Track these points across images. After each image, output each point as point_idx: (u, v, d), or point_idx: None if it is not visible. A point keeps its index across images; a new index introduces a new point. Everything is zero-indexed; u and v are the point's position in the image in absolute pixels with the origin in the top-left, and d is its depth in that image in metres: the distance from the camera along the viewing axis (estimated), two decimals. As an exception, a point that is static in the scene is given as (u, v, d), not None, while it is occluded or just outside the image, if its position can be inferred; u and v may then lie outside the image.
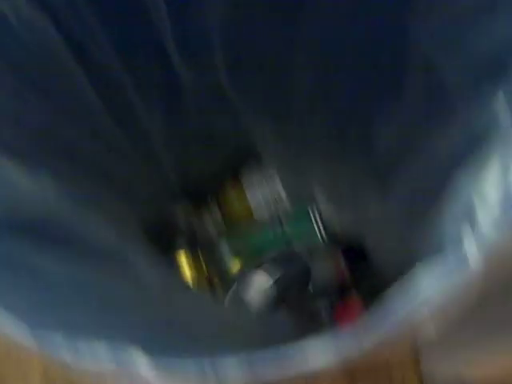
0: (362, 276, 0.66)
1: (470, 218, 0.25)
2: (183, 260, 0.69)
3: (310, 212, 0.68)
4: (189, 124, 0.62)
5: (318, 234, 0.68)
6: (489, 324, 0.64)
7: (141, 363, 0.27)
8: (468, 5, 0.34)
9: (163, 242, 0.68)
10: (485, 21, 0.32)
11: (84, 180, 0.49)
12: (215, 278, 0.69)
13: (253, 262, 0.68)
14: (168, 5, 0.46)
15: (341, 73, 0.49)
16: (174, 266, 0.68)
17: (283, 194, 0.70)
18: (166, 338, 0.33)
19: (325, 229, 0.68)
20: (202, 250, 0.70)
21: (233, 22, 0.49)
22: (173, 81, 0.55)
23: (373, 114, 0.47)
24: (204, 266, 0.70)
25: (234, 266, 0.69)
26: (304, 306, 0.68)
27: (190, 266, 0.68)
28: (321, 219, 0.67)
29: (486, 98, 0.33)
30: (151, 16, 0.47)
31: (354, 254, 0.66)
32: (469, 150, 0.32)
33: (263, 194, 0.72)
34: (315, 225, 0.68)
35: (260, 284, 0.64)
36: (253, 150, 0.68)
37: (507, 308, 0.60)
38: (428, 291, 0.24)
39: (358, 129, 0.51)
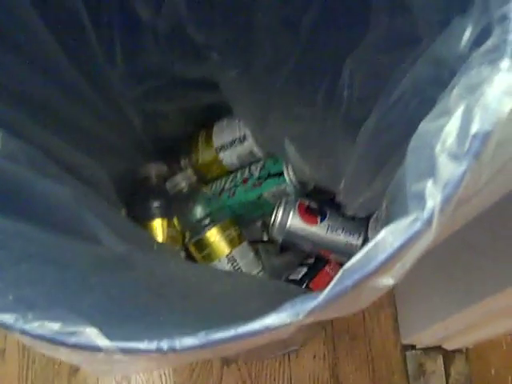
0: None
1: (432, 173, 0.24)
2: (157, 227, 0.67)
3: (283, 168, 0.67)
4: (152, 75, 0.59)
5: (290, 185, 0.67)
6: (458, 291, 0.65)
7: (95, 345, 0.26)
8: None
9: (137, 208, 0.67)
10: None
11: (44, 134, 0.46)
12: (190, 244, 0.68)
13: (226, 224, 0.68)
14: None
15: (304, 12, 0.47)
16: (148, 232, 0.67)
17: (254, 147, 0.69)
18: (122, 317, 0.32)
19: (298, 184, 0.67)
20: (177, 215, 0.68)
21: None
22: (131, 19, 0.52)
23: (338, 56, 0.45)
24: (178, 233, 0.69)
25: (209, 225, 0.67)
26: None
27: (164, 232, 0.67)
28: (292, 170, 0.66)
29: (452, 36, 0.31)
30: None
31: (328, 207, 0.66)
32: (435, 93, 0.31)
33: (235, 148, 0.70)
34: (286, 176, 0.67)
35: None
36: (223, 107, 0.66)
37: (473, 273, 0.61)
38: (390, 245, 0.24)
39: (324, 75, 0.50)
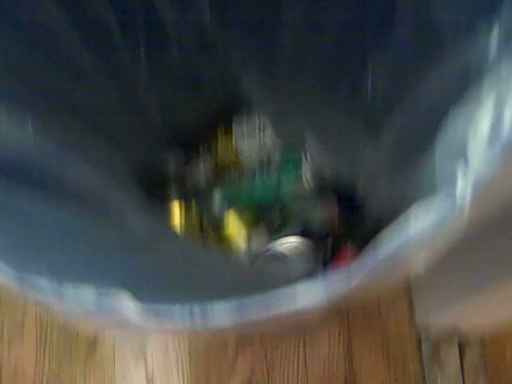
0: (355, 224, 0.66)
1: (464, 155, 0.25)
2: (176, 210, 0.68)
3: (302, 159, 0.67)
4: (173, 68, 0.60)
5: (309, 181, 0.67)
6: (477, 274, 0.65)
7: (129, 308, 0.26)
8: None
9: (156, 192, 0.67)
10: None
11: (68, 124, 0.47)
12: (208, 227, 0.69)
13: (244, 208, 0.68)
14: None
15: (329, 11, 0.47)
16: (167, 216, 0.67)
17: (274, 142, 0.69)
18: (153, 284, 0.32)
19: (317, 176, 0.67)
20: (195, 200, 0.69)
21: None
22: (156, 20, 0.53)
23: (364, 51, 0.46)
24: (196, 217, 0.69)
25: (227, 214, 0.68)
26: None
27: (182, 216, 0.68)
28: (312, 166, 0.67)
29: (479, 34, 0.31)
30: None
31: (346, 201, 0.66)
32: (461, 87, 0.31)
33: (254, 141, 0.71)
34: (305, 172, 0.67)
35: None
36: (244, 98, 0.66)
37: (495, 257, 0.61)
38: (418, 227, 0.24)
39: (349, 72, 0.50)
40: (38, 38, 0.44)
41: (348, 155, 0.58)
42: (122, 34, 0.52)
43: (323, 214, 0.66)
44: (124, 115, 0.60)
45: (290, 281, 0.26)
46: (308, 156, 0.66)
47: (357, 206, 0.65)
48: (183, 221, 0.68)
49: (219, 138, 0.74)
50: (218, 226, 0.68)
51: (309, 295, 0.25)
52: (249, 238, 0.67)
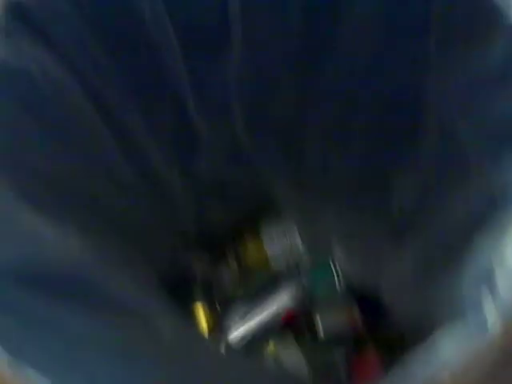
0: (378, 328, 0.65)
1: (490, 282, 0.25)
2: (200, 313, 0.68)
3: (330, 264, 0.68)
4: (204, 173, 0.62)
5: (337, 285, 0.68)
6: None
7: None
8: (480, 72, 0.34)
9: (180, 293, 0.68)
10: (498, 88, 0.33)
11: (104, 232, 0.49)
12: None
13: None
14: (185, 55, 0.48)
15: (357, 127, 0.50)
16: (191, 317, 0.67)
17: (301, 246, 0.70)
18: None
19: (341, 280, 0.68)
20: (220, 303, 0.69)
21: (250, 73, 0.50)
22: (188, 130, 0.56)
23: (389, 169, 0.48)
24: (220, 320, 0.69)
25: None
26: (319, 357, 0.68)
27: (206, 318, 0.68)
28: (339, 272, 0.67)
29: (504, 162, 0.33)
30: (169, 68, 0.49)
31: (370, 305, 0.66)
32: (487, 212, 0.32)
33: (281, 245, 0.72)
34: (334, 276, 0.68)
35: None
36: (272, 202, 0.68)
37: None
38: (448, 355, 0.24)
39: (375, 183, 0.52)
40: (75, 147, 0.47)
41: (373, 264, 0.58)
42: (154, 141, 0.55)
43: (348, 317, 0.66)
44: (153, 218, 0.62)
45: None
46: (336, 261, 0.67)
47: (381, 312, 0.64)
48: (208, 326, 0.68)
49: (246, 240, 0.75)
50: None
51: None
52: (275, 343, 0.66)
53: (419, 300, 0.49)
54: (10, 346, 0.29)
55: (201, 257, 0.74)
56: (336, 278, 0.68)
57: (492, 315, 0.24)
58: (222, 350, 0.66)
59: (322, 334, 0.66)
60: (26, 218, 0.39)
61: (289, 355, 0.66)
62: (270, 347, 0.66)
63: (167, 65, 0.48)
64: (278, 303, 0.67)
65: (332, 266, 0.68)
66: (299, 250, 0.70)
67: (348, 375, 0.65)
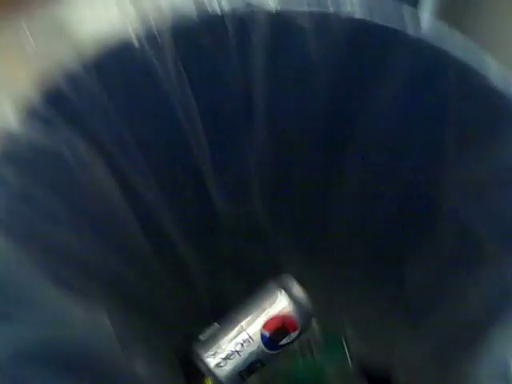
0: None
1: (506, 378, 0.27)
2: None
3: (342, 342, 0.68)
4: (222, 252, 0.64)
5: (349, 363, 0.68)
6: None
7: None
8: (496, 164, 0.36)
9: (194, 368, 0.68)
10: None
11: (127, 313, 0.50)
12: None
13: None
14: (209, 140, 0.50)
15: (376, 213, 0.51)
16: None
17: (315, 324, 0.70)
18: None
19: (353, 358, 0.68)
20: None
21: (270, 153, 0.52)
22: (209, 210, 0.58)
23: (405, 256, 0.49)
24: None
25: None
26: None
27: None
28: (350, 348, 0.68)
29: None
30: (192, 150, 0.51)
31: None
32: (500, 303, 0.34)
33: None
34: (346, 353, 0.68)
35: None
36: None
37: None
38: None
39: (390, 267, 0.53)
40: (110, 237, 0.48)
41: (385, 346, 0.59)
42: (175, 221, 0.57)
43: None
44: (173, 298, 0.63)
45: None
46: (348, 339, 0.67)
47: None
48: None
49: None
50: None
51: None
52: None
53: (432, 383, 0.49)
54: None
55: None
56: (348, 355, 0.68)
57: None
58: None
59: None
60: (53, 298, 0.40)
61: None
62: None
63: (192, 151, 0.50)
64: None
65: (344, 344, 0.68)
66: (312, 328, 0.70)
67: None
